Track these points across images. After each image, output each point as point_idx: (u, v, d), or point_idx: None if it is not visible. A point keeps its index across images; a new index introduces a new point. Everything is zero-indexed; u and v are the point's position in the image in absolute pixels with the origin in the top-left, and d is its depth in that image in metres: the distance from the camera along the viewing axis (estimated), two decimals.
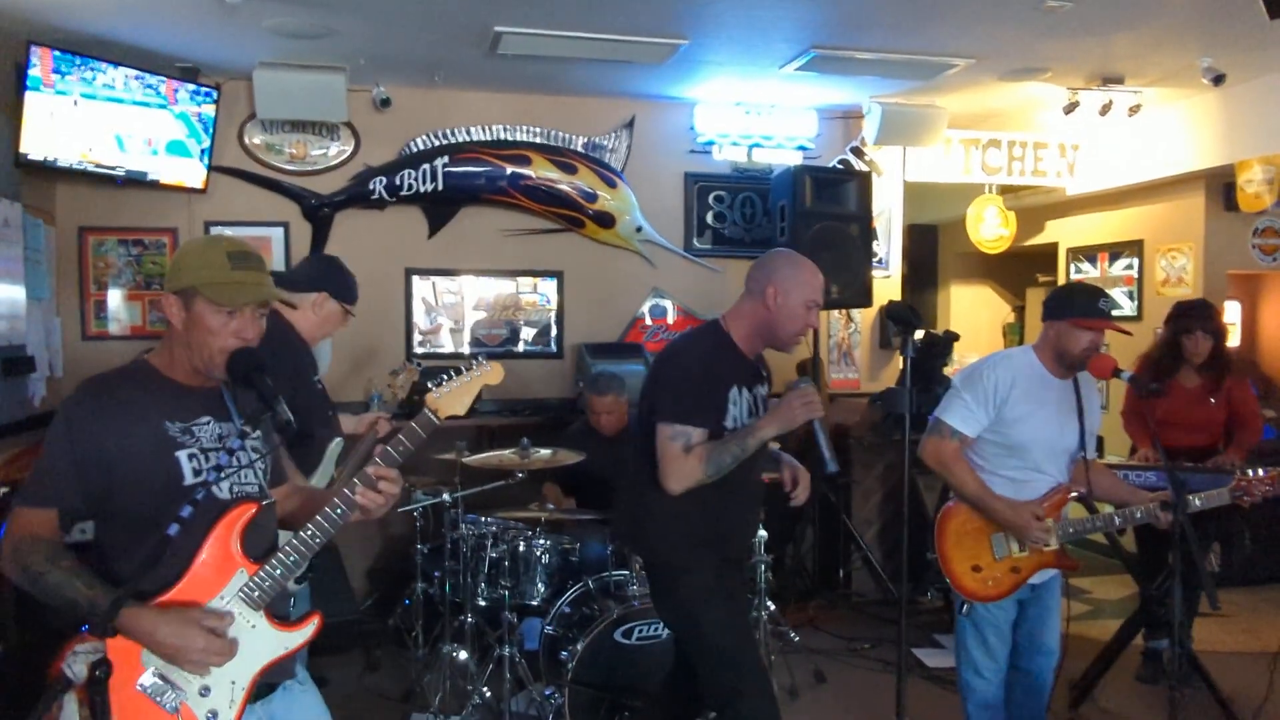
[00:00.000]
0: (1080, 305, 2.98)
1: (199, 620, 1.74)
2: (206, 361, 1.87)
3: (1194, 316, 4.29)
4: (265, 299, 1.91)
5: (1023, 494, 3.06)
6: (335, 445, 3.09)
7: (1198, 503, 3.00)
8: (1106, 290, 6.75)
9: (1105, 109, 5.39)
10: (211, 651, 1.74)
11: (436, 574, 4.22)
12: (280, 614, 1.89)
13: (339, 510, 1.87)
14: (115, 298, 5.17)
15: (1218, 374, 4.29)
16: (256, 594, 1.82)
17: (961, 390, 3.08)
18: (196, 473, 1.84)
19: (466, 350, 5.65)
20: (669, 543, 2.74)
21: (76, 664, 1.47)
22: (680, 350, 2.82)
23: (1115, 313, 6.91)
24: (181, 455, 1.84)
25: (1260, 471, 3.06)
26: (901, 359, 3.14)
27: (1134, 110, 5.45)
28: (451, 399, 1.96)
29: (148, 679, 1.71)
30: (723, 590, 2.73)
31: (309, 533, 1.86)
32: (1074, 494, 3.10)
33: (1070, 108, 5.41)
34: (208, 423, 1.91)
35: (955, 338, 5.45)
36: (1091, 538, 4.20)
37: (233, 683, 1.79)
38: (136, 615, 1.70)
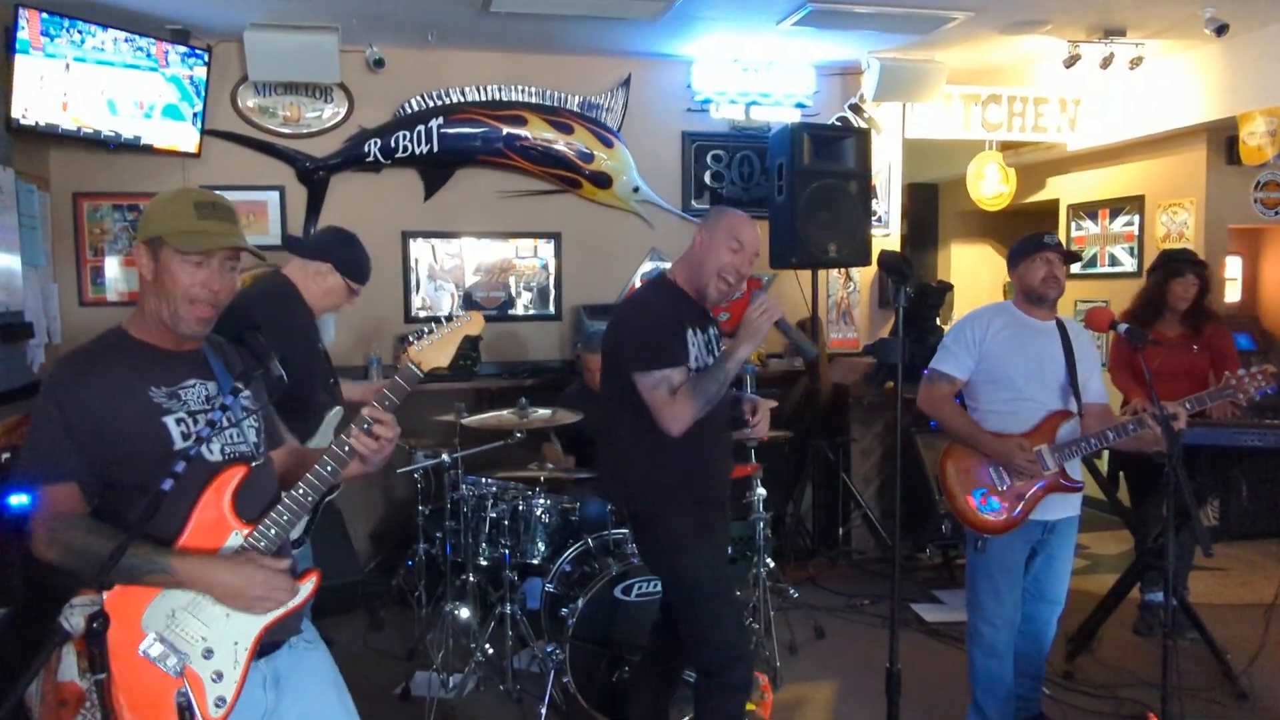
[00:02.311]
0: (1028, 244, 3.25)
1: (257, 560, 1.78)
2: (174, 312, 1.85)
3: (1185, 260, 4.42)
4: (229, 246, 1.88)
5: (1016, 424, 3.18)
6: (335, 413, 3.09)
7: (1188, 405, 3.07)
8: (1108, 247, 6.81)
9: (1106, 62, 5.33)
10: (274, 587, 1.77)
11: (438, 535, 4.25)
12: None
13: (329, 467, 1.87)
14: (112, 264, 5.15)
15: (1198, 322, 4.36)
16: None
17: (948, 341, 3.32)
18: (185, 436, 1.83)
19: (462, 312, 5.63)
20: (646, 488, 2.83)
21: (74, 616, 1.49)
22: (635, 301, 2.99)
23: (1116, 269, 6.92)
24: (169, 420, 1.83)
25: (1252, 369, 3.14)
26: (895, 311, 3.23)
27: (1135, 63, 5.39)
28: (433, 351, 1.96)
29: (150, 644, 1.72)
30: (700, 532, 2.83)
31: (300, 491, 1.86)
32: (1066, 419, 3.18)
33: (1071, 61, 5.35)
34: (194, 385, 1.90)
35: (948, 288, 5.46)
36: (1090, 492, 4.22)
37: (235, 643, 1.80)
38: (196, 563, 1.73)
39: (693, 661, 2.92)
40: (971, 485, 3.18)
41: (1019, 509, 3.13)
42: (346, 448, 1.88)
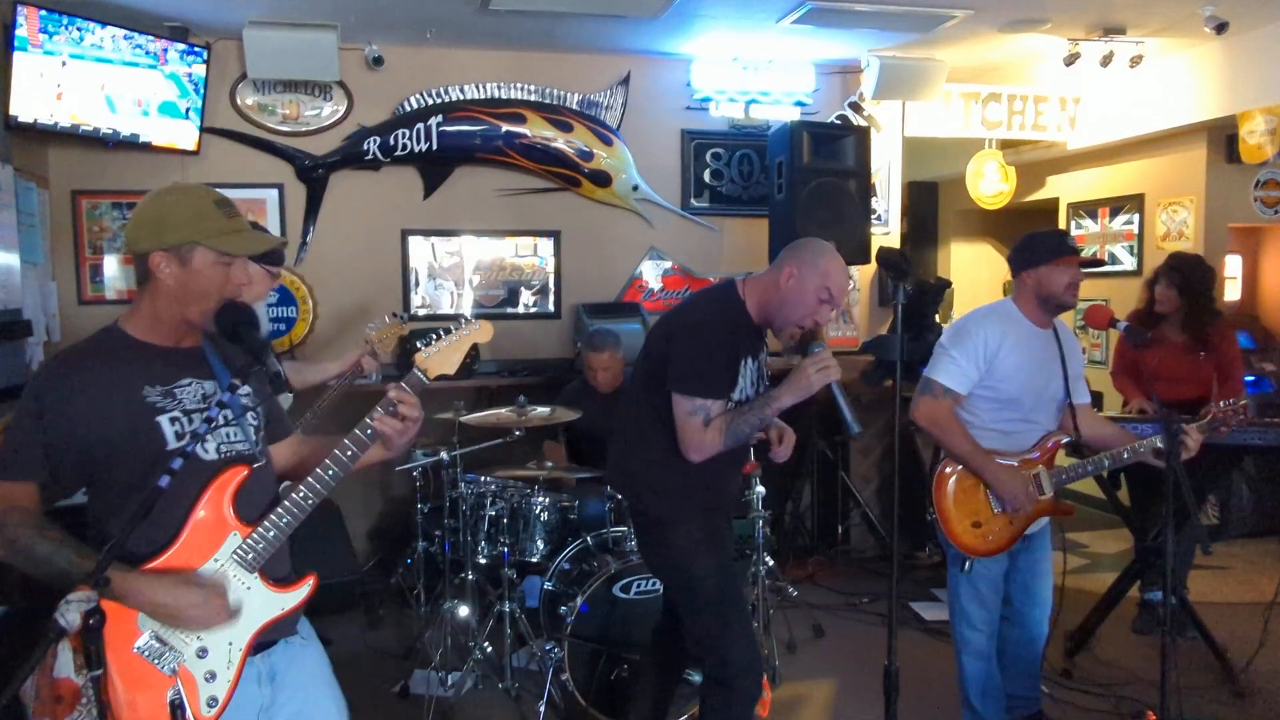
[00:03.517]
0: (1051, 246, 3.03)
1: (195, 581, 1.74)
2: (204, 314, 1.84)
3: (1164, 267, 4.39)
4: (270, 246, 1.90)
5: (1014, 444, 3.10)
6: (281, 399, 3.10)
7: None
8: (1107, 246, 6.81)
9: (1106, 60, 5.33)
10: (210, 611, 1.74)
11: (437, 533, 4.25)
12: (276, 575, 1.90)
13: (330, 472, 1.86)
14: (111, 261, 5.14)
15: (1200, 326, 4.30)
16: (250, 556, 1.82)
17: (950, 348, 3.07)
18: (179, 436, 1.81)
19: (466, 311, 5.65)
20: (659, 495, 2.77)
21: (70, 612, 1.47)
22: (700, 321, 2.69)
23: (1115, 268, 6.92)
24: (163, 420, 1.81)
25: (1231, 401, 3.12)
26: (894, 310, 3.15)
27: (1135, 61, 5.38)
28: (440, 358, 1.95)
29: (144, 641, 1.72)
30: (709, 540, 2.78)
31: (301, 494, 1.85)
32: (1064, 440, 3.13)
33: (1071, 59, 5.35)
34: (189, 384, 1.88)
35: (947, 284, 5.45)
36: (1089, 491, 4.23)
37: (230, 644, 1.80)
38: (131, 579, 1.70)
39: (702, 669, 2.85)
40: (967, 508, 3.08)
41: (1011, 535, 3.08)
42: (369, 431, 1.87)
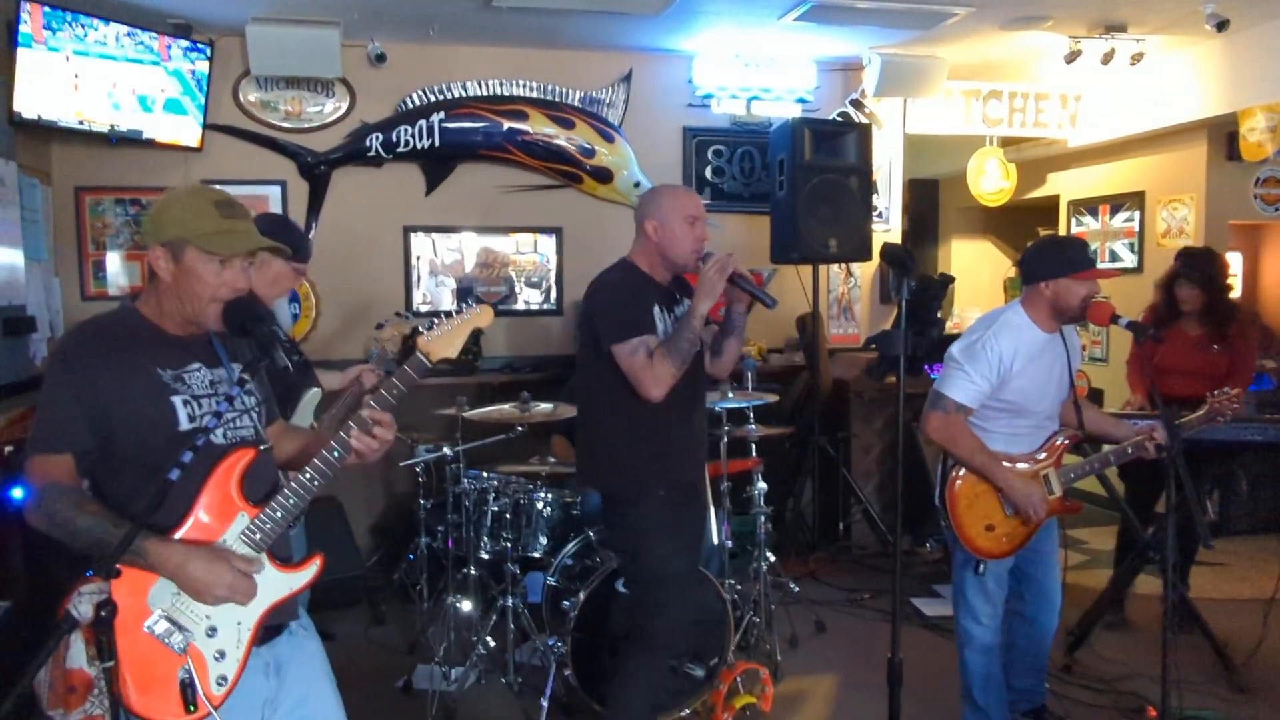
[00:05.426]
0: (1074, 258, 3.01)
1: (229, 559, 1.78)
2: (198, 313, 1.87)
3: (1184, 264, 4.36)
4: (259, 247, 1.91)
5: (1022, 447, 3.12)
6: (312, 395, 3.09)
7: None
8: (1108, 243, 6.81)
9: (1107, 58, 5.34)
10: (237, 590, 1.78)
11: (440, 528, 4.26)
12: (283, 556, 1.92)
13: (336, 452, 1.88)
14: (114, 258, 5.16)
15: (1219, 321, 4.30)
16: (258, 536, 1.84)
17: (963, 364, 3.04)
18: (191, 419, 1.85)
19: None
20: (621, 470, 2.91)
21: (82, 604, 1.50)
22: (603, 281, 3.00)
23: (1116, 265, 6.93)
24: (176, 400, 1.85)
25: (1227, 389, 3.18)
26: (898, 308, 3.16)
27: (1136, 59, 5.39)
28: (442, 341, 1.97)
29: (155, 621, 1.74)
30: (668, 525, 2.90)
31: (307, 475, 1.87)
32: (1069, 438, 3.15)
33: (1072, 57, 5.36)
34: (198, 369, 1.91)
35: (950, 280, 5.46)
36: (1090, 488, 4.23)
37: (239, 623, 1.82)
38: (168, 548, 1.74)
39: (629, 634, 3.05)
40: (980, 513, 3.09)
41: (1025, 535, 3.11)
42: (353, 432, 1.89)
